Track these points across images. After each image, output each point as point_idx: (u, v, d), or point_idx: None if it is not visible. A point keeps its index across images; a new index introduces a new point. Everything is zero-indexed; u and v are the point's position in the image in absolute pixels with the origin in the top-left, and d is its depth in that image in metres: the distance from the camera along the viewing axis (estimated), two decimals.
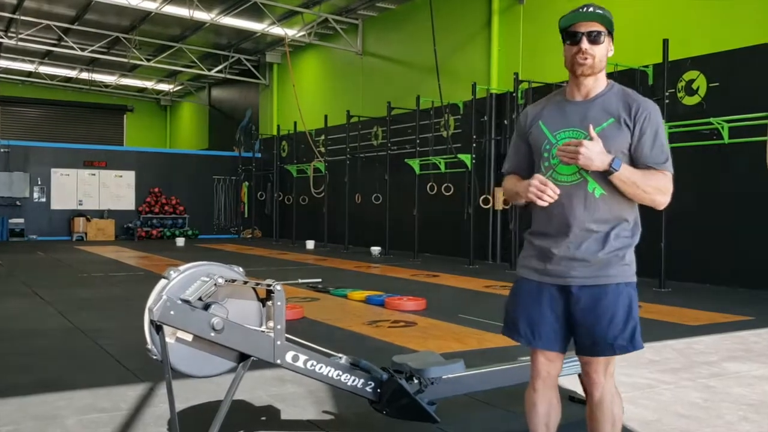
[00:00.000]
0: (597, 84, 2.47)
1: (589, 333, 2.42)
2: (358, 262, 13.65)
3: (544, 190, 2.36)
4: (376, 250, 15.54)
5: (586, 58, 2.39)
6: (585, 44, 2.38)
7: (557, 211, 2.45)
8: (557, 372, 2.59)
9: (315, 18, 18.30)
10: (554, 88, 12.39)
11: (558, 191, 2.38)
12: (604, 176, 2.38)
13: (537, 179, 2.39)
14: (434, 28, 12.95)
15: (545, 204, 2.39)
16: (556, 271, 2.47)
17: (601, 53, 2.40)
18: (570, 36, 2.42)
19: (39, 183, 21.01)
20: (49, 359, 4.97)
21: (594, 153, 2.31)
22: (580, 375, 3.88)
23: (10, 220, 20.30)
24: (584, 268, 2.42)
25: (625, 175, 2.34)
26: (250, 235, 22.70)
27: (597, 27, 2.39)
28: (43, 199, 21.06)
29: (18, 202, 20.54)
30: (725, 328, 6.48)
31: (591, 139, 2.35)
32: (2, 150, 20.72)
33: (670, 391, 4.25)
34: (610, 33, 2.43)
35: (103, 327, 6.17)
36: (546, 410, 2.59)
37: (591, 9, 2.39)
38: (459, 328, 6.35)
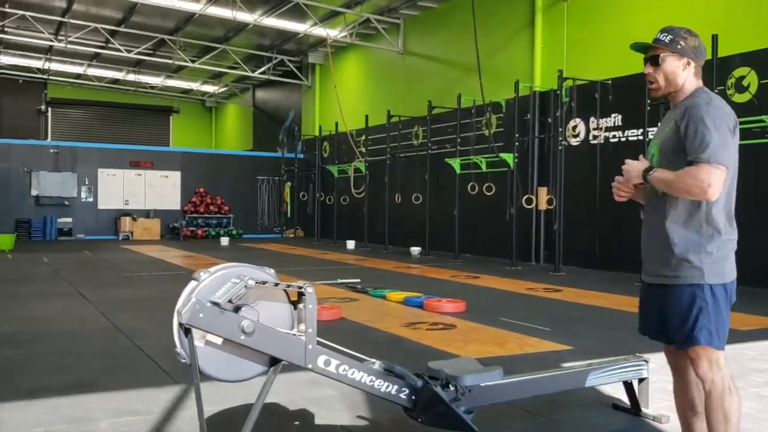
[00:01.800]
0: (678, 95, 2.74)
1: (669, 328, 2.68)
2: (398, 262, 13.56)
3: (618, 187, 2.80)
4: (416, 250, 15.43)
5: (650, 81, 2.74)
6: (647, 68, 2.74)
7: (643, 212, 2.83)
8: (683, 364, 2.81)
9: (357, 18, 18.27)
10: (599, 86, 12.08)
11: (631, 188, 2.77)
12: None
13: (616, 179, 2.80)
14: (476, 27, 12.78)
15: (621, 200, 2.82)
16: (646, 270, 2.80)
17: (666, 72, 2.69)
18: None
19: (86, 183, 21.44)
20: (87, 360, 5.00)
21: (631, 167, 2.72)
22: (624, 383, 3.74)
23: (58, 220, 20.77)
24: (657, 268, 2.70)
25: (655, 176, 2.64)
26: (292, 235, 22.82)
27: (656, 51, 2.70)
28: (91, 199, 21.49)
29: (66, 202, 21.00)
30: None
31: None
32: (52, 151, 21.22)
33: None
34: (678, 50, 2.68)
35: (142, 327, 6.20)
36: (681, 400, 2.90)
37: (657, 37, 2.72)
38: (499, 332, 6.20)
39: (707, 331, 2.58)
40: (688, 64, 2.69)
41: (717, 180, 2.49)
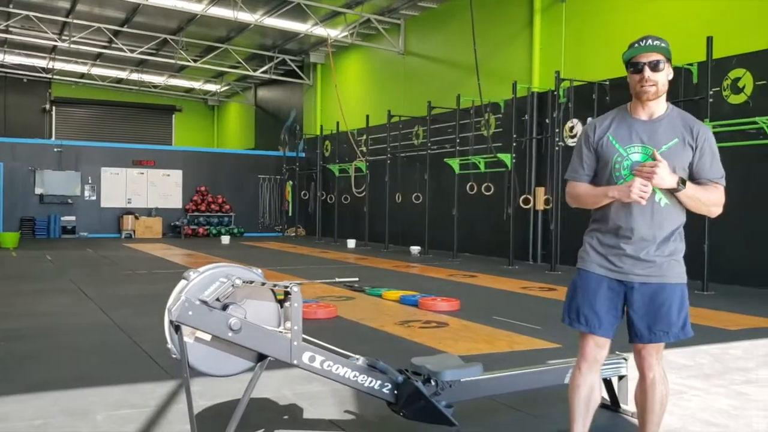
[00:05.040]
0: (659, 106, 2.83)
1: (647, 323, 2.82)
2: (397, 261, 13.68)
3: (646, 191, 2.69)
4: (415, 249, 15.55)
5: (651, 85, 2.75)
6: (647, 72, 2.73)
7: (627, 216, 2.81)
8: (603, 358, 2.97)
9: (357, 18, 18.40)
10: (596, 87, 12.15)
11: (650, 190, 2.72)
12: (670, 190, 2.74)
13: (640, 182, 2.69)
14: (474, 27, 12.89)
15: (645, 203, 2.72)
16: (621, 268, 2.85)
17: (662, 80, 2.76)
18: (633, 66, 2.78)
19: (90, 182, 21.61)
20: (86, 355, 5.14)
21: (666, 174, 2.67)
22: (604, 380, 3.86)
23: (62, 218, 20.95)
24: (646, 268, 2.80)
25: (690, 192, 2.72)
26: (293, 234, 22.96)
27: (657, 56, 2.74)
28: (94, 198, 21.67)
29: (70, 200, 21.18)
30: (766, 334, 6.31)
31: (657, 160, 2.69)
32: (56, 150, 21.39)
33: (699, 397, 4.18)
34: (669, 60, 2.77)
35: (140, 324, 6.34)
36: (588, 392, 2.94)
37: (650, 42, 2.76)
38: (491, 330, 6.33)
39: (690, 324, 2.87)
40: (671, 74, 2.80)
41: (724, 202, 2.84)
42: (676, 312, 2.81)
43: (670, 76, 2.81)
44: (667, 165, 2.68)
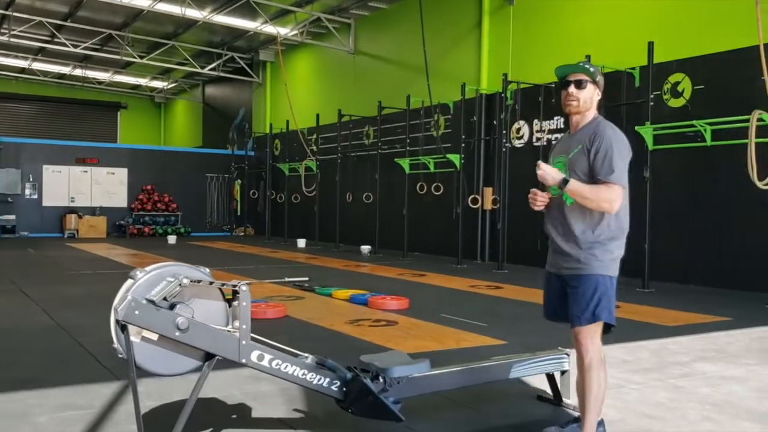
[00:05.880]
0: (583, 120, 3.23)
1: (571, 309, 3.16)
2: (348, 260, 13.70)
3: (534, 198, 3.18)
4: (366, 249, 15.60)
5: (572, 100, 3.17)
6: (572, 89, 3.17)
7: (550, 217, 3.28)
8: None
9: (307, 17, 18.34)
10: (542, 89, 12.44)
11: (546, 197, 3.19)
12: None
13: (531, 191, 3.17)
14: (424, 28, 13.00)
15: (538, 208, 3.20)
16: (553, 263, 3.30)
17: (585, 96, 3.16)
18: (562, 84, 3.22)
19: (31, 179, 21.01)
20: (29, 357, 5.02)
21: (547, 173, 3.08)
22: (547, 374, 3.97)
23: (1, 217, 20.30)
24: (568, 261, 3.17)
25: (572, 188, 3.06)
26: (242, 233, 22.75)
27: (582, 77, 3.17)
28: (35, 196, 21.07)
29: (9, 199, 20.53)
30: (702, 329, 6.55)
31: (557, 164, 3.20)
32: None
33: (638, 390, 4.32)
34: (595, 82, 3.18)
35: (85, 324, 6.22)
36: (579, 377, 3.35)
37: (580, 64, 3.22)
38: (439, 328, 6.41)
39: (607, 311, 3.10)
40: (598, 95, 3.22)
41: (620, 198, 3.06)
42: (587, 299, 3.09)
43: (597, 97, 3.21)
44: (548, 167, 3.10)
